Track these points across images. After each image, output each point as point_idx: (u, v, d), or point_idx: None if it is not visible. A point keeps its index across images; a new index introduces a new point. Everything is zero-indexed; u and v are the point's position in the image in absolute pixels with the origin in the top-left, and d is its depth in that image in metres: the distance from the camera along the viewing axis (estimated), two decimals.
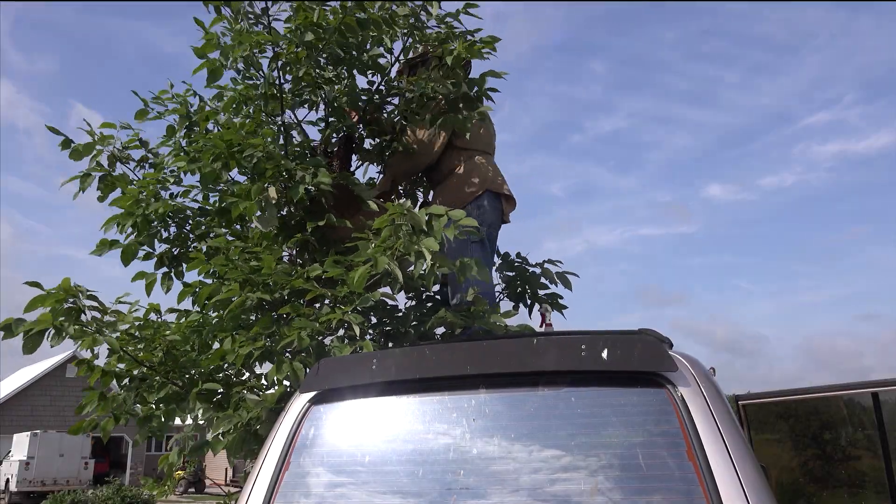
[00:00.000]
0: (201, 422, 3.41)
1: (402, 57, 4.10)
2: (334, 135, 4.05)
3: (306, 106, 4.06)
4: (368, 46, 3.86)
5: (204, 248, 3.81)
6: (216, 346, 3.41)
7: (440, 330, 3.60)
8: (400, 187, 4.50)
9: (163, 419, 3.43)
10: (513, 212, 4.26)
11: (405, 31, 3.85)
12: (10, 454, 24.96)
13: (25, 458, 23.81)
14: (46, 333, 3.08)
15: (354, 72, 3.98)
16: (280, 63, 3.74)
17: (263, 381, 3.46)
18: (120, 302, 3.45)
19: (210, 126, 4.06)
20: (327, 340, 3.26)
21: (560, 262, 4.26)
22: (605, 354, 1.73)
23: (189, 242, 3.97)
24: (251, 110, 3.89)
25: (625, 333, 1.90)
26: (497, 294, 4.22)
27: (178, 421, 3.55)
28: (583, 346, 1.76)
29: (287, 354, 3.11)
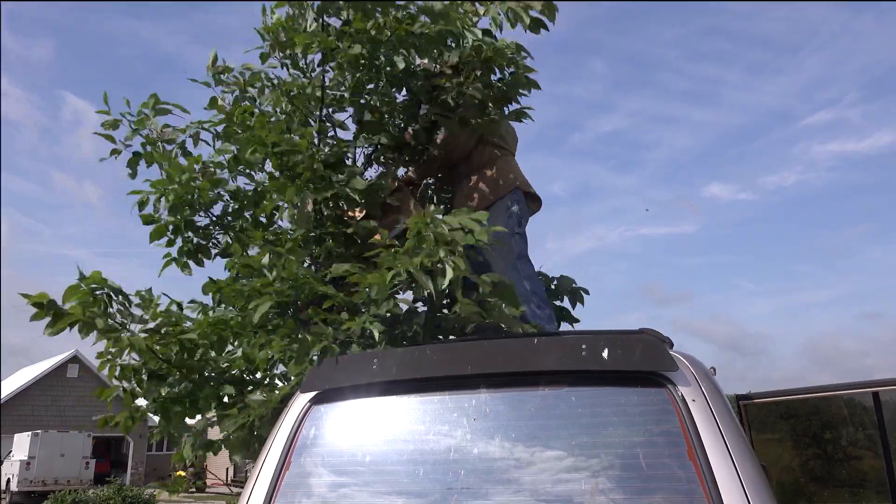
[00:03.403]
0: (210, 415, 3.40)
1: (446, 68, 4.08)
2: (366, 145, 4.03)
3: (348, 110, 4.04)
4: (417, 61, 3.85)
5: (230, 240, 3.79)
6: (235, 343, 3.42)
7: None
8: (418, 190, 4.47)
9: (179, 413, 3.42)
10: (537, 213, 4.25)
11: (462, 49, 3.83)
12: (10, 454, 24.98)
13: (26, 458, 23.83)
14: (72, 324, 3.12)
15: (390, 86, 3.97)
16: (330, 65, 3.73)
17: (277, 381, 3.45)
18: (139, 295, 3.44)
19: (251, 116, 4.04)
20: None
21: (575, 284, 4.30)
22: (605, 354, 1.73)
23: (211, 236, 3.94)
24: (291, 108, 3.87)
25: (625, 333, 1.90)
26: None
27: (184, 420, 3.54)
28: (583, 346, 1.76)
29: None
